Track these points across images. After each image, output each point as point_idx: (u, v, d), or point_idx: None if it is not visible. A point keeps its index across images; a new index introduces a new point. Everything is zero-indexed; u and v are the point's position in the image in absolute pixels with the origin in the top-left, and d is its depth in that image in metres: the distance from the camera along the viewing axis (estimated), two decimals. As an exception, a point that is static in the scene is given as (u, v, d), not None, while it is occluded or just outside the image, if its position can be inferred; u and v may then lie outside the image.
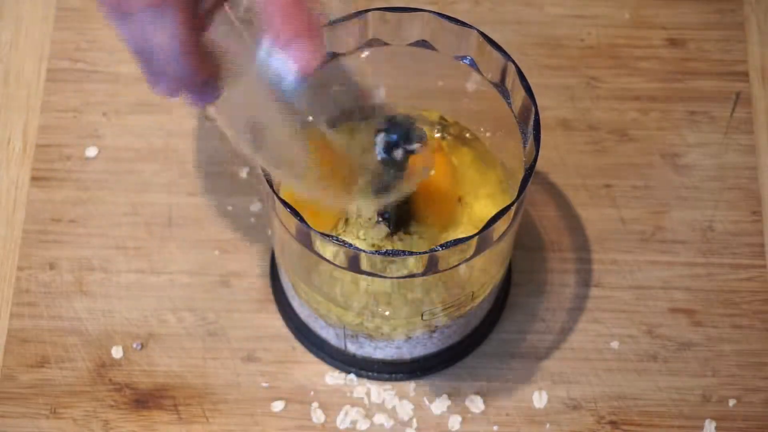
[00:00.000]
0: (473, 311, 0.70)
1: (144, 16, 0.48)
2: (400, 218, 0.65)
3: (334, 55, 0.63)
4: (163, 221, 0.78)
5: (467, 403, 0.73)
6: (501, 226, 0.60)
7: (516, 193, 0.60)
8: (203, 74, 0.51)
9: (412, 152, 0.59)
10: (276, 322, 0.75)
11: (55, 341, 0.74)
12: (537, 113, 0.61)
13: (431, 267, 0.60)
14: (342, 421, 0.73)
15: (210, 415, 0.73)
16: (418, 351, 0.72)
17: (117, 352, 0.74)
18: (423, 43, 0.64)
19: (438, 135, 0.69)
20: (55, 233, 0.77)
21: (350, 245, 0.59)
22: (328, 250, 0.60)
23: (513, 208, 0.59)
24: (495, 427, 0.73)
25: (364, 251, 0.59)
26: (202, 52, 0.50)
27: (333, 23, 0.62)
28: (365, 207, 0.64)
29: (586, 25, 0.84)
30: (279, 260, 0.71)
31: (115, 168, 0.79)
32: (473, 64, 0.64)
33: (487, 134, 0.69)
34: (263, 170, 0.59)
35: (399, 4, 0.63)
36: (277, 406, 0.73)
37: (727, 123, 0.81)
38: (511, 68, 0.62)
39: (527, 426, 0.73)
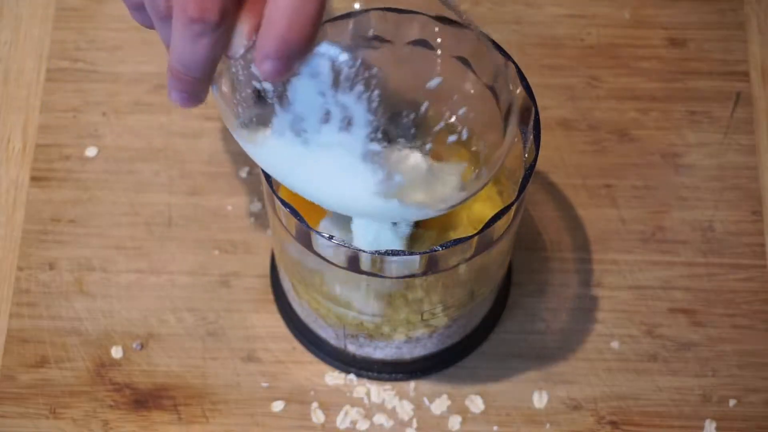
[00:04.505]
0: (473, 311, 0.70)
1: (188, 30, 0.49)
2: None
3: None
4: (163, 221, 0.78)
5: (467, 403, 0.73)
6: (501, 226, 0.60)
7: (516, 193, 0.60)
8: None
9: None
10: (276, 322, 0.75)
11: (54, 341, 0.74)
12: (537, 113, 0.61)
13: (431, 267, 0.60)
14: (342, 421, 0.73)
15: (210, 415, 0.73)
16: (418, 351, 0.72)
17: (117, 352, 0.74)
18: (422, 43, 0.64)
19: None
20: (54, 233, 0.77)
21: (350, 245, 0.59)
22: (328, 250, 0.60)
23: (513, 208, 0.59)
24: (495, 427, 0.73)
25: (364, 251, 0.59)
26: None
27: (333, 22, 0.61)
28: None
29: (586, 25, 0.84)
30: (279, 260, 0.71)
31: (115, 168, 0.79)
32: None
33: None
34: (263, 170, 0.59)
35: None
36: (277, 406, 0.73)
37: (727, 123, 0.81)
38: (511, 68, 0.62)
39: (527, 426, 0.73)
